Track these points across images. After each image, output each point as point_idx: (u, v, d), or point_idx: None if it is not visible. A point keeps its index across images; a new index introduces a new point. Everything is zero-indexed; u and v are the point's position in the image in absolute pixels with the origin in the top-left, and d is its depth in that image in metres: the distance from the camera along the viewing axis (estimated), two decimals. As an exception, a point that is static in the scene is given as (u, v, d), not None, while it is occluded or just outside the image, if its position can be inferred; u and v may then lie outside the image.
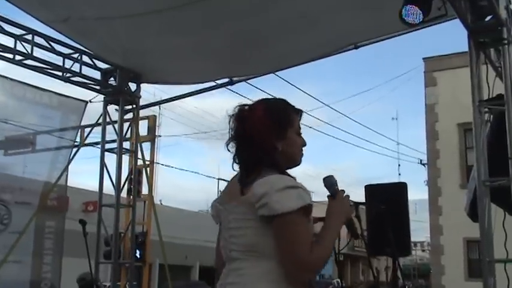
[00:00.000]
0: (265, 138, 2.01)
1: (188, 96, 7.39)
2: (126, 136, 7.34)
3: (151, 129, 14.55)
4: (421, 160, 29.02)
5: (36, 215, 6.37)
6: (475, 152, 5.08)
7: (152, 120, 14.38)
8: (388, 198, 5.36)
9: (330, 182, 2.13)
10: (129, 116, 7.37)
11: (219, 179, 45.56)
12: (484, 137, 5.13)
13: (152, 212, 10.95)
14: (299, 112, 2.15)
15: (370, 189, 5.21)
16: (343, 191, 2.12)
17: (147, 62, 6.84)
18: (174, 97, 7.63)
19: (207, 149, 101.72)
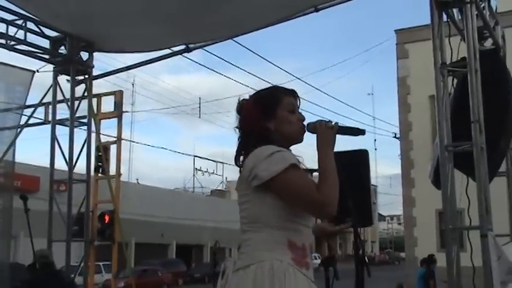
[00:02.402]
0: (255, 123, 2.18)
1: (144, 64, 7.06)
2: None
3: (118, 105, 14.15)
4: (395, 134, 29.06)
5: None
6: (437, 117, 4.88)
7: (119, 96, 13.96)
8: (349, 166, 5.11)
9: (311, 127, 2.24)
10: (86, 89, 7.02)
11: (194, 156, 45.52)
12: (446, 100, 4.93)
13: (120, 189, 10.63)
14: (289, 92, 2.28)
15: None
16: (319, 122, 2.24)
17: (98, 29, 6.46)
18: (130, 65, 7.28)
19: (183, 127, 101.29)
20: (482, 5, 5.41)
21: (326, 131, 2.21)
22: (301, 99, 2.35)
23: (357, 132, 2.32)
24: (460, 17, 5.20)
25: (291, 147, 2.27)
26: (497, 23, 5.93)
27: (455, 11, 5.22)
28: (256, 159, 2.08)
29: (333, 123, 2.24)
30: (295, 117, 2.24)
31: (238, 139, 2.25)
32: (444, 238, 4.72)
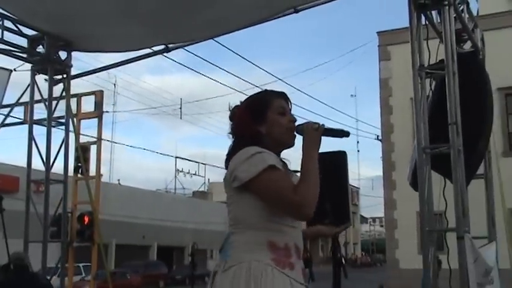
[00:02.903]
0: (246, 127, 2.21)
1: (122, 64, 6.99)
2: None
3: (99, 105, 14.03)
4: (377, 136, 29.20)
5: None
6: (415, 119, 4.89)
7: (99, 96, 13.84)
8: (327, 168, 5.11)
9: (299, 129, 2.25)
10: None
11: (176, 157, 45.28)
12: (424, 103, 4.94)
13: (100, 190, 10.51)
14: (280, 94, 2.31)
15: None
16: (306, 123, 2.25)
17: (77, 28, 6.37)
18: (109, 65, 7.21)
19: (165, 128, 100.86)
20: (461, 7, 5.44)
21: (312, 133, 2.22)
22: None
23: (342, 134, 2.35)
24: (438, 20, 5.22)
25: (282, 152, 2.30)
26: (476, 26, 5.97)
27: (434, 13, 5.24)
28: (237, 161, 2.10)
29: (319, 125, 2.25)
30: (285, 119, 2.26)
31: (231, 144, 2.28)
32: (421, 240, 4.72)
